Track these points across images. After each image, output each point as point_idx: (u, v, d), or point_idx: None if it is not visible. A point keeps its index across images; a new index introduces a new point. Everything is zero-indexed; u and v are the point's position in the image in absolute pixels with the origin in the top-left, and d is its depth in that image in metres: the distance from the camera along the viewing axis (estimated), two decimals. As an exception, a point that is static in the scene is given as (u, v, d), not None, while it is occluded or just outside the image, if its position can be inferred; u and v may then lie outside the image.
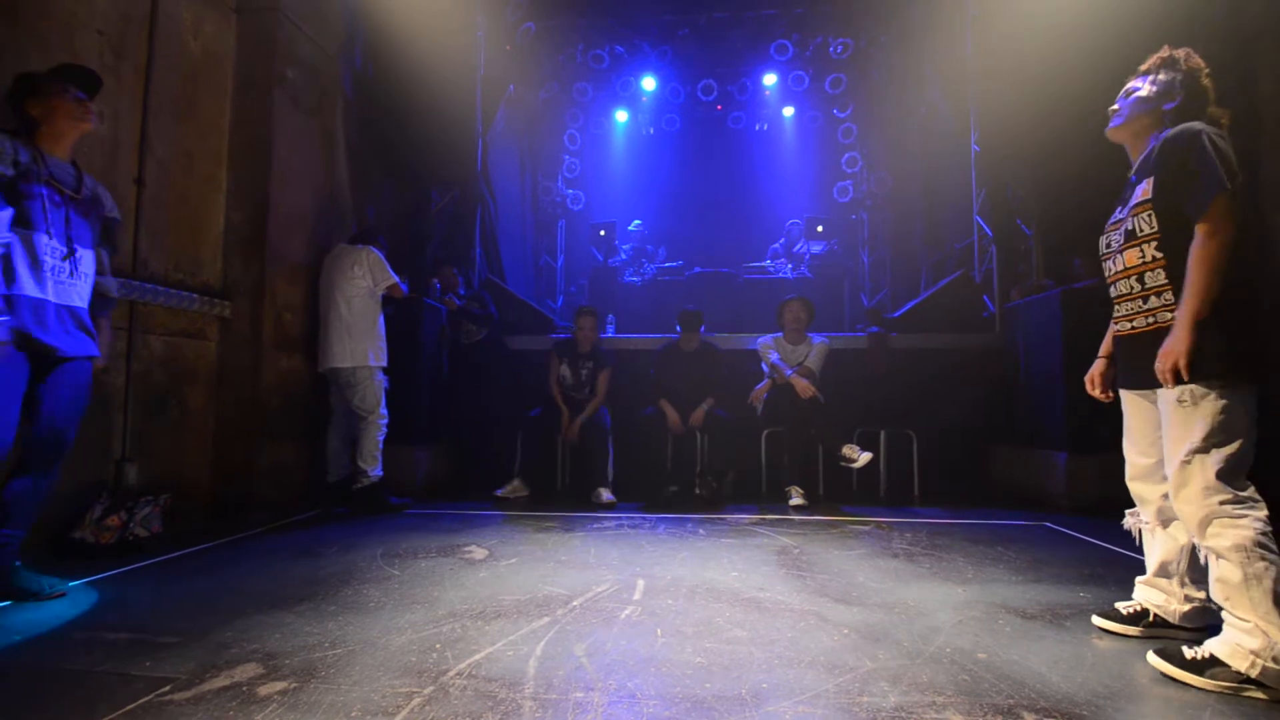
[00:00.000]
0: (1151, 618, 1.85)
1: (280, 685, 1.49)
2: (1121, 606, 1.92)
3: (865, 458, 3.75)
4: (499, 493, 4.06)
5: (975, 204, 5.42)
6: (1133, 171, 1.83)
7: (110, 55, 2.95)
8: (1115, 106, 1.86)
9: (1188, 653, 1.58)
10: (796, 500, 3.82)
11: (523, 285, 7.52)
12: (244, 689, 1.47)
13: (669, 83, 8.25)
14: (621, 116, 9.09)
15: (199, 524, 3.19)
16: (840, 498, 4.11)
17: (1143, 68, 1.85)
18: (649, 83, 8.29)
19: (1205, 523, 1.58)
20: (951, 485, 4.38)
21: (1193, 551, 1.80)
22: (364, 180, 4.88)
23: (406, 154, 5.30)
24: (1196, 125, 1.64)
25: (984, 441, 4.62)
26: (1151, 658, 1.64)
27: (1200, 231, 1.59)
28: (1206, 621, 1.80)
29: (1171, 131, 1.69)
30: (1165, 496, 1.80)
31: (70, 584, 2.20)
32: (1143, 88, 1.80)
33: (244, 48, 3.71)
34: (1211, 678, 1.51)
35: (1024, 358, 4.42)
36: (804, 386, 3.97)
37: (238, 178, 3.66)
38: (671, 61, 7.74)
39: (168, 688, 1.48)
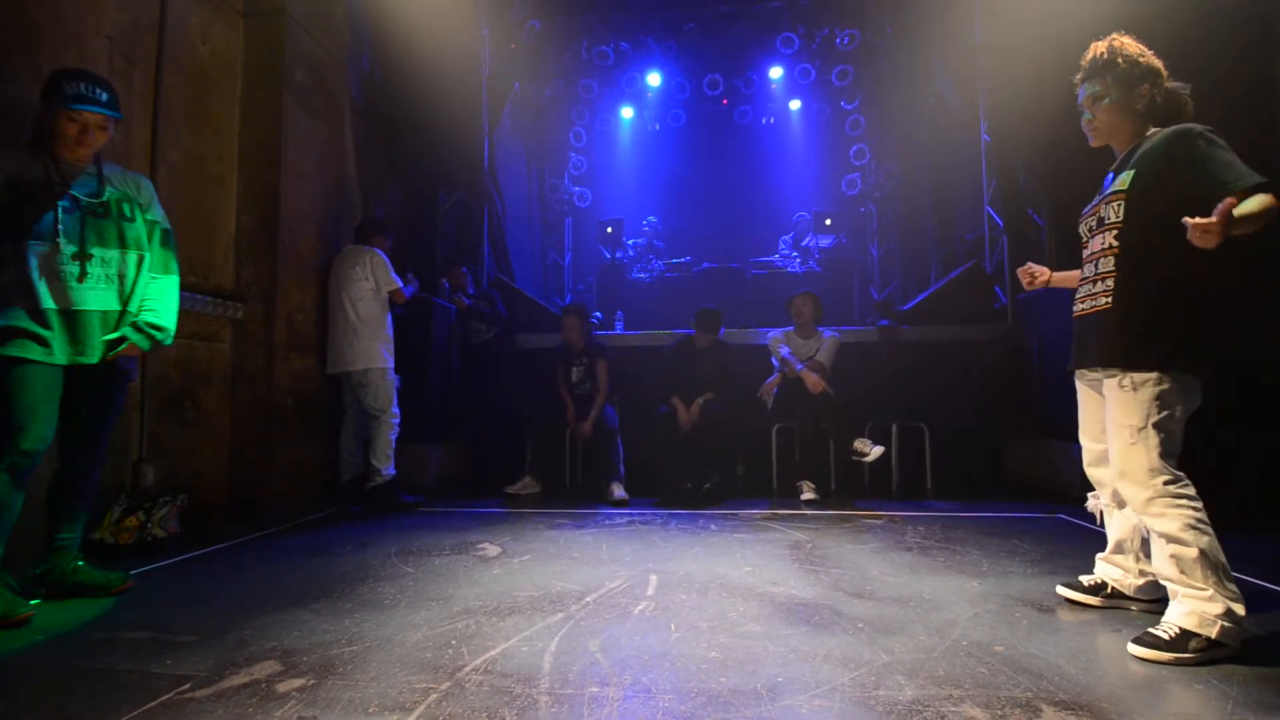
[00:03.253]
0: (1109, 590, 1.99)
1: (299, 682, 1.51)
2: (1084, 579, 2.05)
3: (877, 451, 3.73)
4: (510, 489, 4.08)
5: (986, 194, 5.37)
6: (1114, 166, 1.90)
7: (120, 61, 2.98)
8: (1088, 118, 1.92)
9: (1161, 634, 1.63)
10: (808, 495, 3.81)
11: (531, 283, 7.54)
12: (263, 686, 1.49)
13: (674, 78, 8.21)
14: (627, 113, 9.07)
15: (216, 524, 3.22)
16: (852, 492, 4.09)
17: (1086, 69, 1.90)
18: (654, 78, 8.25)
19: (1150, 502, 1.69)
20: (965, 478, 4.34)
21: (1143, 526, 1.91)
22: (372, 181, 4.90)
23: (413, 154, 5.31)
24: (1192, 127, 1.70)
25: (997, 434, 4.57)
26: (1133, 648, 1.64)
27: (1236, 199, 1.54)
28: (1158, 594, 1.91)
29: (1177, 128, 1.73)
30: None
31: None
32: (1106, 92, 1.85)
33: (252, 51, 3.74)
34: (1194, 650, 1.58)
35: (1037, 349, 4.37)
36: (814, 381, 3.95)
37: (248, 180, 3.68)
38: (677, 57, 7.71)
39: (188, 685, 1.49)
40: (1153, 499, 1.68)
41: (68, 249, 2.06)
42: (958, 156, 6.07)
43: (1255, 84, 3.68)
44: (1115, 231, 1.78)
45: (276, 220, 3.67)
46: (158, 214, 2.33)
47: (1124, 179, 1.78)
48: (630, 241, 8.19)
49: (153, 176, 3.12)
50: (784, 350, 4.20)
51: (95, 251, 2.12)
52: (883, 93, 7.66)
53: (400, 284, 3.80)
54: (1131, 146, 1.85)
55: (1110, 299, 1.78)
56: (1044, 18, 4.39)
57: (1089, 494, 2.10)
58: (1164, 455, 1.68)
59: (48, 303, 2.02)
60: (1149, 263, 1.73)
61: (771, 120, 9.07)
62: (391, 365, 3.79)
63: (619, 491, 3.91)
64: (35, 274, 2.00)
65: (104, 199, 2.15)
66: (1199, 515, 1.66)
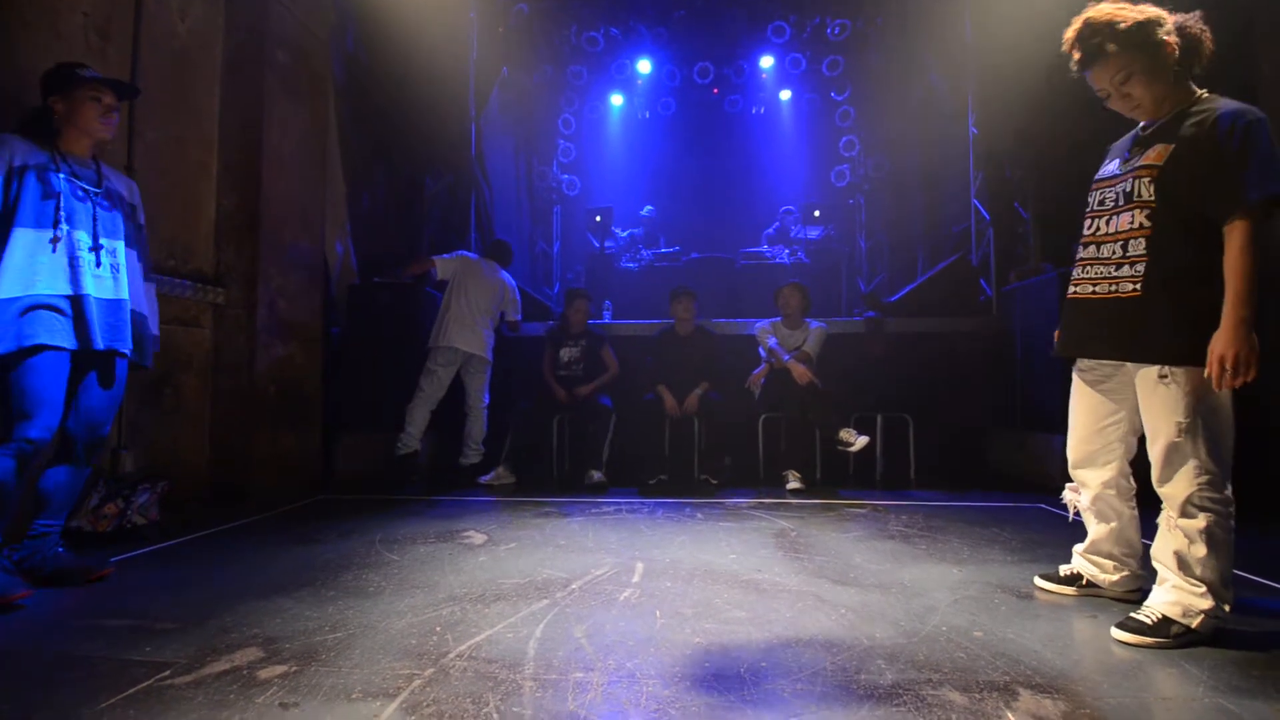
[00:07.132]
0: (1085, 581, 2.01)
1: (280, 669, 1.50)
2: (1061, 569, 2.07)
3: (862, 441, 3.76)
4: (483, 480, 4.05)
5: (973, 187, 5.40)
6: (1148, 129, 1.72)
7: (95, 37, 2.90)
8: (1127, 96, 1.70)
9: (1144, 619, 1.66)
10: (794, 484, 3.83)
11: (519, 272, 7.44)
12: (244, 673, 1.48)
13: (664, 65, 8.15)
14: (617, 100, 8.99)
15: (197, 511, 3.19)
16: (837, 481, 4.13)
17: (1088, 49, 1.69)
18: (644, 65, 8.19)
19: (1189, 501, 1.62)
20: (948, 468, 4.40)
21: (1121, 531, 1.93)
22: (357, 165, 4.83)
23: (399, 138, 5.24)
24: (1256, 111, 1.56)
25: (981, 425, 4.63)
26: (1116, 633, 1.67)
27: (1246, 227, 1.51)
28: (1133, 586, 1.95)
29: (1231, 109, 1.58)
30: (1104, 484, 1.93)
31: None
32: (1129, 63, 1.66)
33: (233, 30, 3.65)
34: (1174, 636, 1.61)
35: (1021, 341, 4.42)
36: (801, 371, 3.97)
37: (229, 163, 3.61)
38: (667, 44, 7.65)
39: (168, 672, 1.48)
40: (1191, 497, 1.60)
41: (84, 238, 2.09)
42: (946, 149, 6.09)
43: (1235, 89, 3.71)
44: (1147, 211, 1.64)
45: (258, 203, 3.60)
46: (142, 218, 2.39)
47: (1159, 152, 1.63)
48: (625, 233, 8.14)
49: (130, 158, 3.05)
50: (771, 341, 4.21)
51: (105, 242, 2.15)
52: (873, 84, 7.66)
53: (520, 318, 4.47)
54: (1176, 112, 1.66)
55: (1139, 285, 1.64)
56: (1035, 11, 4.40)
57: (1067, 485, 2.08)
58: (1212, 451, 1.58)
59: (64, 289, 2.03)
60: (1184, 248, 1.60)
61: (761, 110, 9.05)
62: None
63: (596, 475, 3.94)
64: (55, 260, 2.02)
65: (105, 191, 2.20)
66: (1227, 520, 1.61)
